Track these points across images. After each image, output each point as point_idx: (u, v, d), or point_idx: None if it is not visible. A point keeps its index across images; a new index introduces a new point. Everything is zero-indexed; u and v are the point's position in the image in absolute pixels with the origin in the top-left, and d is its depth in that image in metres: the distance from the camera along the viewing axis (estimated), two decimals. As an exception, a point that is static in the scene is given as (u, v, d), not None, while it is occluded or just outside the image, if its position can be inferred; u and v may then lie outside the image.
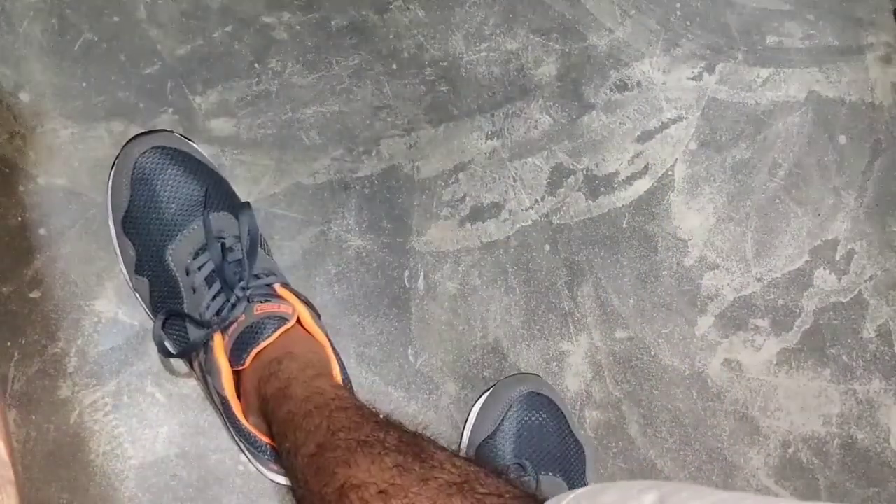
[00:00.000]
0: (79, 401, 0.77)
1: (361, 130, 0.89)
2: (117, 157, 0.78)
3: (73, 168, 0.82)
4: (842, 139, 1.01)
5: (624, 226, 0.93)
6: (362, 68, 0.91)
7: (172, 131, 0.80)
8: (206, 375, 0.71)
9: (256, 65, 0.89)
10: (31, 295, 0.79)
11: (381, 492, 0.49)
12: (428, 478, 0.49)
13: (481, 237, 0.90)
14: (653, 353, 0.91)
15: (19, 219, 0.80)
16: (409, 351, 0.86)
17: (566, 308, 0.90)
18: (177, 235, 0.74)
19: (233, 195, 0.79)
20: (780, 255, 0.97)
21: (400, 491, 0.48)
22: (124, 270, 0.78)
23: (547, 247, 0.91)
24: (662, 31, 0.99)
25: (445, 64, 0.93)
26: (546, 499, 0.43)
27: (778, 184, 0.98)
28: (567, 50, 0.96)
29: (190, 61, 0.87)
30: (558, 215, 0.92)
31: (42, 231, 0.80)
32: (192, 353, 0.72)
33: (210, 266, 0.72)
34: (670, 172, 0.96)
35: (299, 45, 0.90)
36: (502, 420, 0.80)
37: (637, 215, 0.94)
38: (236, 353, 0.69)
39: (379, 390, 0.84)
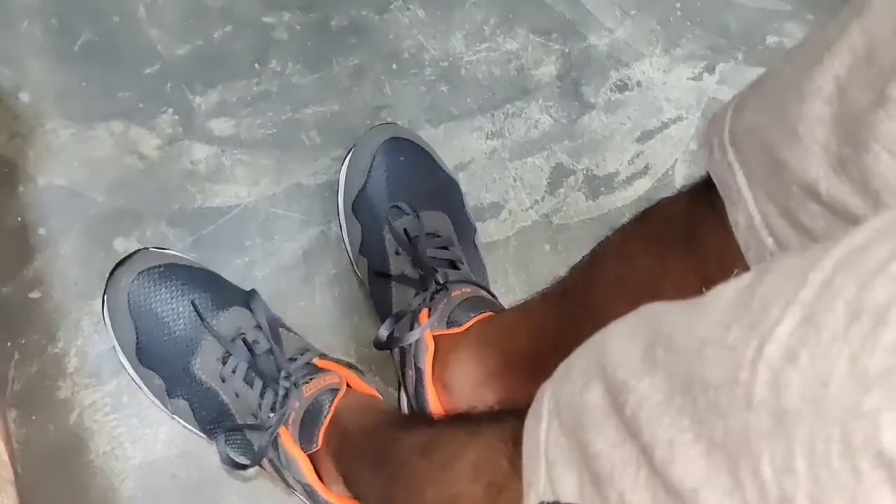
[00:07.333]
0: (79, 401, 0.77)
1: (361, 130, 0.89)
2: (105, 293, 0.75)
3: (73, 168, 0.82)
4: (842, 139, 1.01)
5: (624, 226, 0.93)
6: (362, 68, 0.91)
7: (147, 248, 0.77)
8: (283, 470, 0.70)
9: (256, 65, 0.89)
10: (31, 295, 0.79)
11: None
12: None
13: (481, 237, 0.90)
14: (653, 353, 0.91)
15: (19, 219, 0.80)
16: (410, 351, 0.86)
17: (566, 308, 0.90)
18: (197, 348, 0.73)
19: (232, 288, 0.77)
20: (780, 255, 0.97)
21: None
22: (156, 401, 0.76)
23: (547, 247, 0.91)
24: (662, 31, 0.99)
25: (445, 64, 0.93)
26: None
27: (778, 184, 0.98)
28: (567, 50, 0.96)
29: (190, 61, 0.87)
30: (558, 215, 0.92)
31: (42, 231, 0.80)
32: (263, 458, 0.71)
33: (243, 366, 0.72)
34: (670, 173, 0.96)
35: (299, 45, 0.90)
36: (369, 171, 0.80)
37: (637, 215, 0.94)
38: (305, 438, 0.69)
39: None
